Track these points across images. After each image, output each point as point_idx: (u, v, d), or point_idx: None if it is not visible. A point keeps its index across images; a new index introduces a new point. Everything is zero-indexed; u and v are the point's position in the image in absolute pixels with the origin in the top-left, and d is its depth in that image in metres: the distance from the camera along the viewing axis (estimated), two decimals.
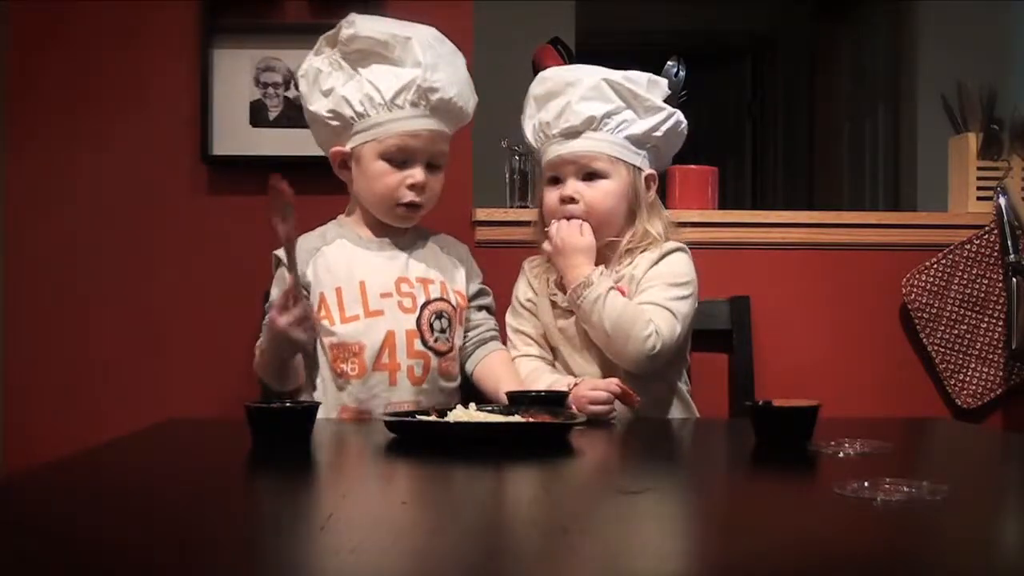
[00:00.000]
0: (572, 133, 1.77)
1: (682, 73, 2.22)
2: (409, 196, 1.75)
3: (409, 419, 1.41)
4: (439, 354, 1.78)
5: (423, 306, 1.77)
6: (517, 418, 1.42)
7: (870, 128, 3.98)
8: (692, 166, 2.28)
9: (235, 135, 2.18)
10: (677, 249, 1.80)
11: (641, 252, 1.80)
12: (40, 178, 2.19)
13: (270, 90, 2.19)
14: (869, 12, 4.01)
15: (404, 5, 2.16)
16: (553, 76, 1.83)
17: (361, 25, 1.73)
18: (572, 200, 1.78)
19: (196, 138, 2.18)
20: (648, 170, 1.83)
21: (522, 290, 1.88)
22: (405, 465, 1.31)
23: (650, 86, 1.81)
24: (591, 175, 1.78)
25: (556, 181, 1.81)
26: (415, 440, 1.37)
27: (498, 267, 2.00)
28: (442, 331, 1.78)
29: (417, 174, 1.75)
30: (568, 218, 1.77)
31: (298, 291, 1.60)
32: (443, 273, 1.83)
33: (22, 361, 2.18)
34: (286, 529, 0.94)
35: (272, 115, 2.19)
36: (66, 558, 0.80)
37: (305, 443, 1.36)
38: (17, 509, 1.00)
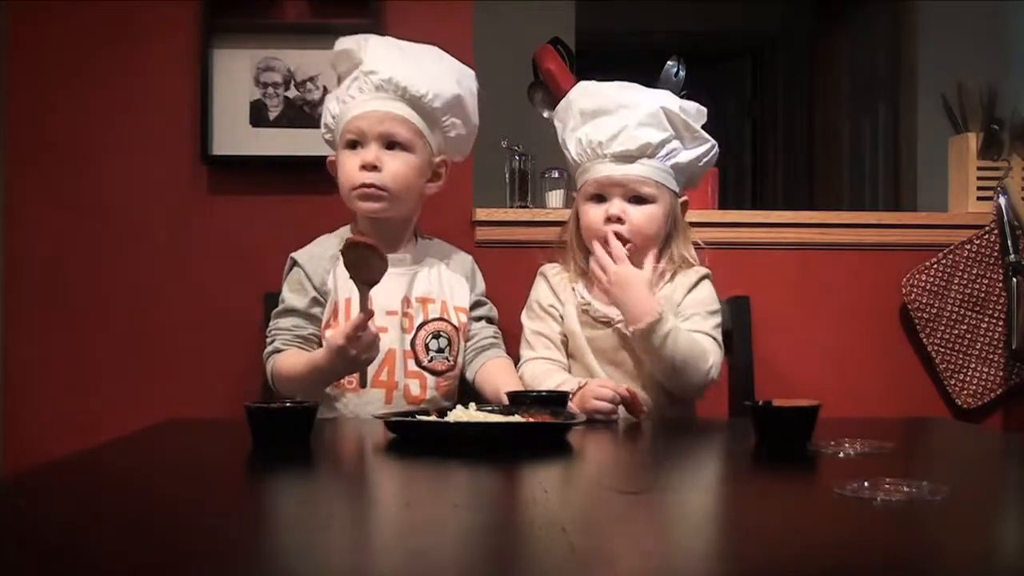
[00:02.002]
0: (626, 157, 1.77)
1: (682, 73, 2.22)
2: (362, 177, 1.75)
3: (409, 419, 1.41)
4: (436, 374, 1.78)
5: (419, 327, 1.78)
6: (517, 418, 1.42)
7: (870, 128, 3.98)
8: None
9: (235, 135, 2.18)
10: (705, 276, 1.84)
11: (674, 275, 1.83)
12: (40, 178, 2.19)
13: (270, 90, 2.19)
14: (869, 12, 4.01)
15: (404, 7, 2.17)
16: (601, 92, 1.81)
17: (338, 43, 1.79)
18: (619, 220, 1.78)
19: (196, 138, 2.18)
20: (684, 196, 1.86)
21: (543, 295, 1.87)
22: (405, 465, 1.31)
23: (697, 115, 1.82)
24: (637, 198, 1.79)
25: (600, 198, 1.81)
26: (415, 440, 1.38)
27: (498, 267, 1.99)
28: (439, 351, 1.79)
29: (368, 153, 1.75)
30: (614, 236, 1.77)
31: (366, 326, 1.58)
32: (445, 291, 1.83)
33: (22, 361, 2.18)
34: (286, 529, 0.94)
35: (272, 115, 2.19)
36: (66, 558, 0.80)
37: (305, 443, 1.36)
38: (17, 509, 1.00)
